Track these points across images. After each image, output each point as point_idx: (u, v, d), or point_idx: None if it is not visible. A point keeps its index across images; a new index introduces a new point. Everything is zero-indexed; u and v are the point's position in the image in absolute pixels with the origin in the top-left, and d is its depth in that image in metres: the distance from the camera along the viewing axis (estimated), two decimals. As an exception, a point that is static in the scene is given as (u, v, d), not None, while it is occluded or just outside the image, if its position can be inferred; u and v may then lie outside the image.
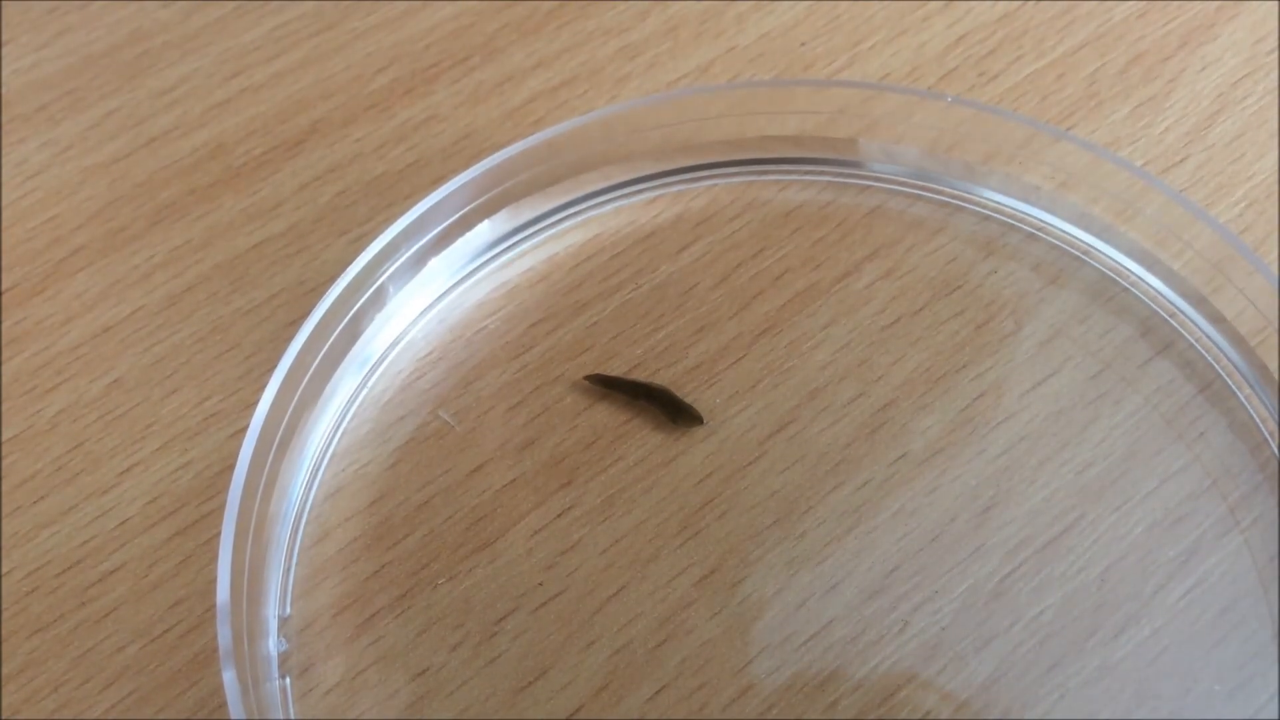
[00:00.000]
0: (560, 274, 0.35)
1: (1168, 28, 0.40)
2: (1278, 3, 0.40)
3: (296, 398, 0.30)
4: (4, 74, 0.40)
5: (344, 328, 0.32)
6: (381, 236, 0.32)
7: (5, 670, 0.29)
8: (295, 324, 0.31)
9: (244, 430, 0.28)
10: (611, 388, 0.32)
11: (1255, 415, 0.32)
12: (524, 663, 0.28)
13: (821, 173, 0.36)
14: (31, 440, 0.32)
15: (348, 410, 0.32)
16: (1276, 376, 0.31)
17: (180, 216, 0.36)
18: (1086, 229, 0.35)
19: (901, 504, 0.30)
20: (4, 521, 0.31)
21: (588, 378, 0.32)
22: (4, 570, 0.30)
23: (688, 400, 0.32)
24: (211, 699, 0.28)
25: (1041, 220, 0.35)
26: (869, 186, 0.36)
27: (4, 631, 0.29)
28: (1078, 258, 0.34)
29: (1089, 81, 0.38)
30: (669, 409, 0.32)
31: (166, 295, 0.35)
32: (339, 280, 0.31)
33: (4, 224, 0.36)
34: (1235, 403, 0.32)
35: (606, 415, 0.32)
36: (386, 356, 0.33)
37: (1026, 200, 0.35)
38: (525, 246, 0.35)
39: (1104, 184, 0.34)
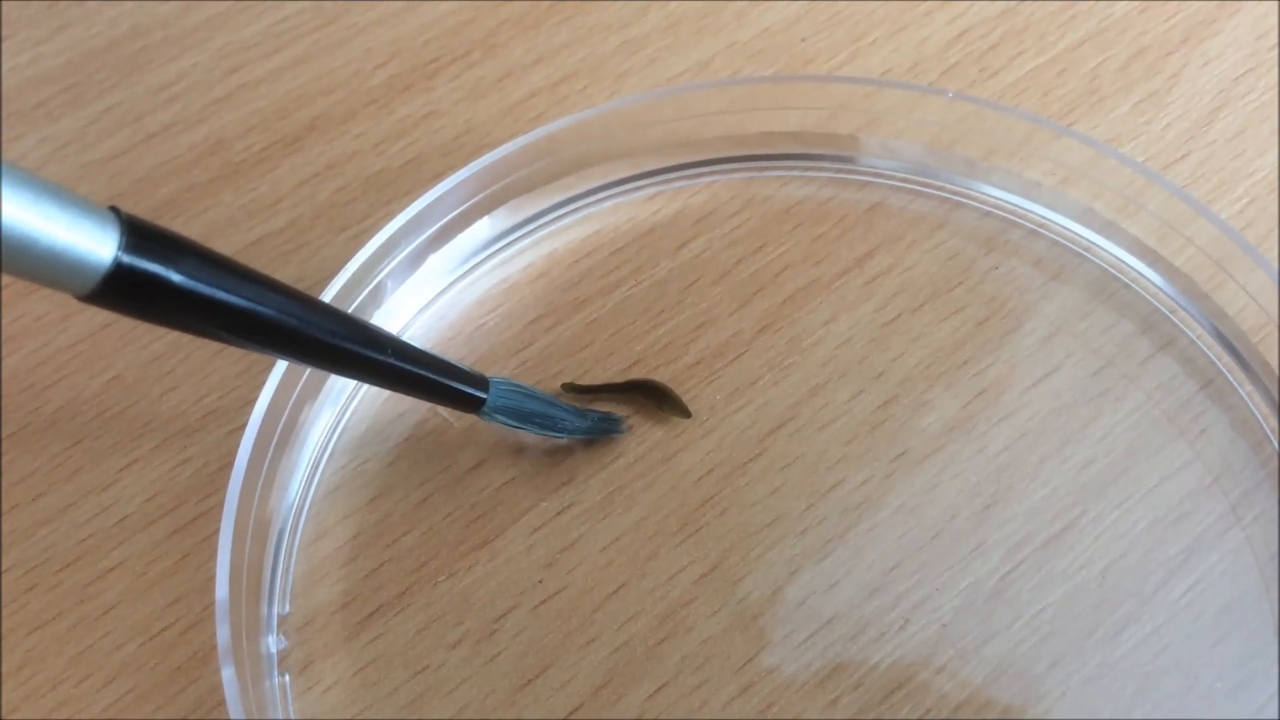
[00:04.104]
0: (560, 270, 0.35)
1: (1169, 23, 0.40)
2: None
3: (295, 395, 0.30)
4: (3, 70, 0.40)
5: (343, 324, 0.32)
6: (380, 233, 0.32)
7: (4, 667, 0.29)
8: (294, 321, 0.31)
9: (243, 427, 0.28)
10: (593, 393, 0.32)
11: (1256, 412, 0.31)
12: (524, 660, 0.28)
13: (822, 169, 0.36)
14: (30, 437, 0.32)
15: (346, 407, 0.32)
16: (1277, 373, 0.31)
17: (179, 213, 0.36)
18: (1088, 225, 0.35)
19: (902, 501, 0.30)
20: (3, 518, 0.31)
21: (565, 386, 0.32)
22: (3, 567, 0.30)
23: (686, 398, 0.32)
24: (210, 696, 0.28)
25: (1043, 216, 0.35)
26: (869, 183, 0.36)
27: (3, 629, 0.29)
28: (1079, 254, 0.34)
29: (1090, 77, 0.38)
30: (656, 399, 0.32)
31: (165, 292, 0.35)
32: (338, 277, 0.31)
33: (2, 220, 0.36)
34: (1236, 399, 0.32)
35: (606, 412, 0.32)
36: (386, 353, 0.33)
37: (1028, 196, 0.35)
38: (525, 243, 0.35)
39: (1105, 180, 0.34)
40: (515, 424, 0.30)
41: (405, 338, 0.33)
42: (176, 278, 0.22)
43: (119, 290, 0.21)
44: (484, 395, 0.29)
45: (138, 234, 0.21)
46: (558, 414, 0.30)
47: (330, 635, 0.29)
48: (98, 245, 0.20)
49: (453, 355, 0.33)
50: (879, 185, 0.36)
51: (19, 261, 0.20)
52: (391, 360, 0.27)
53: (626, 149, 0.35)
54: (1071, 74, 0.38)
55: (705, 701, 0.28)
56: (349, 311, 0.32)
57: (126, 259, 0.21)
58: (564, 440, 0.31)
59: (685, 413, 0.32)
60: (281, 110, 0.38)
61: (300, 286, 0.34)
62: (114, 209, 0.21)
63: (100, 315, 0.34)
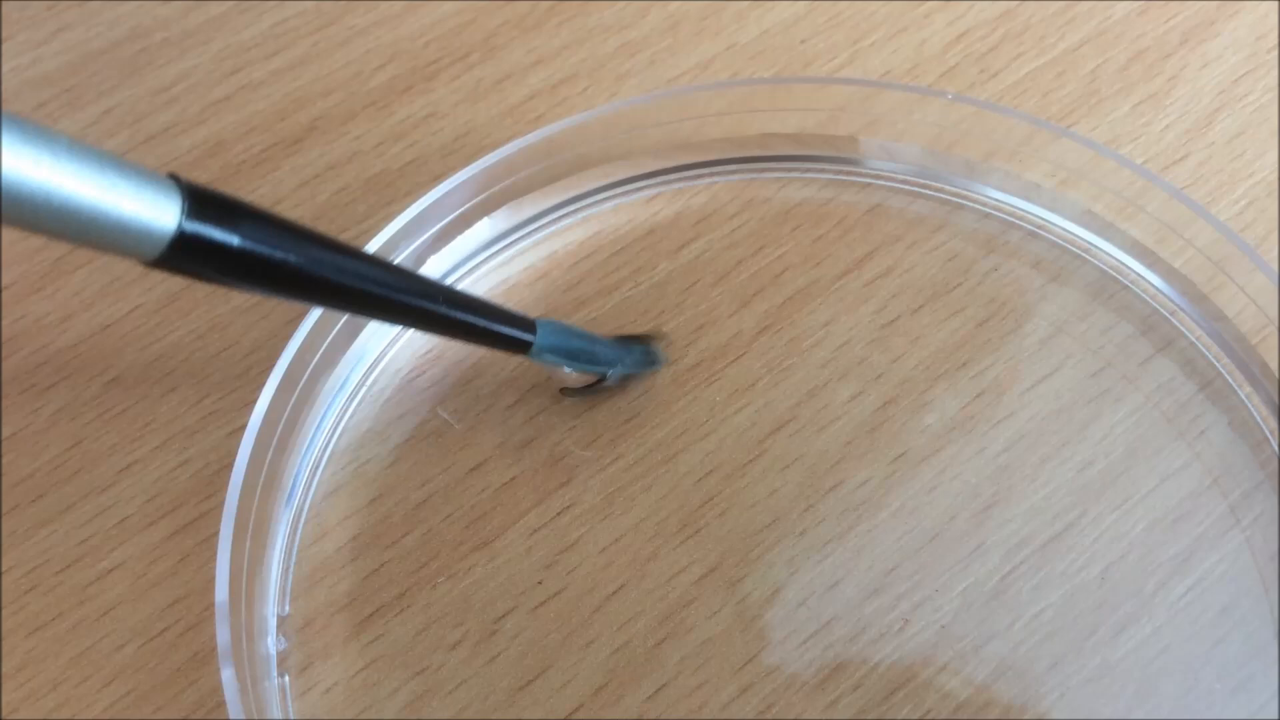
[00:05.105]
0: (559, 271, 0.35)
1: (1169, 25, 0.40)
2: (1278, 1, 0.40)
3: (295, 396, 0.30)
4: (3, 71, 0.40)
5: (343, 325, 0.32)
6: (380, 234, 0.32)
7: (4, 668, 0.29)
8: (294, 322, 0.31)
9: (243, 428, 0.28)
10: (588, 388, 0.32)
11: (1256, 413, 0.31)
12: (523, 661, 0.28)
13: (821, 170, 0.36)
14: (30, 438, 0.32)
15: (347, 408, 0.32)
16: (1277, 374, 0.31)
17: (179, 214, 0.36)
18: (1087, 227, 0.35)
19: (902, 502, 0.30)
20: (3, 519, 0.31)
21: (563, 391, 0.32)
22: (3, 568, 0.30)
23: (687, 399, 0.32)
24: (210, 698, 0.28)
25: (1042, 218, 0.35)
26: (869, 184, 0.36)
27: (3, 630, 0.29)
28: (1078, 255, 0.34)
29: (1090, 79, 0.38)
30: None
31: (165, 293, 0.35)
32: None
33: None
34: (1236, 400, 0.32)
35: (606, 414, 0.32)
36: (385, 354, 0.33)
37: (1027, 198, 0.35)
38: (525, 244, 0.35)
39: (1105, 182, 0.34)
40: (562, 362, 0.31)
41: (404, 338, 0.33)
42: (236, 241, 0.23)
43: (182, 255, 0.22)
44: (531, 337, 0.30)
45: (199, 200, 0.22)
46: (601, 350, 0.31)
47: (330, 636, 0.29)
48: (162, 213, 0.21)
49: (453, 356, 0.33)
50: (878, 187, 0.36)
51: (90, 232, 0.21)
52: (444, 309, 0.28)
53: (626, 150, 0.35)
54: (1071, 76, 0.38)
55: (705, 702, 0.28)
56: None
57: (190, 226, 0.22)
58: (610, 378, 0.32)
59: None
60: (281, 112, 0.38)
61: (300, 287, 0.34)
62: (174, 176, 0.22)
63: (99, 317, 0.34)
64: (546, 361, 0.30)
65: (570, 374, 0.32)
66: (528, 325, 0.30)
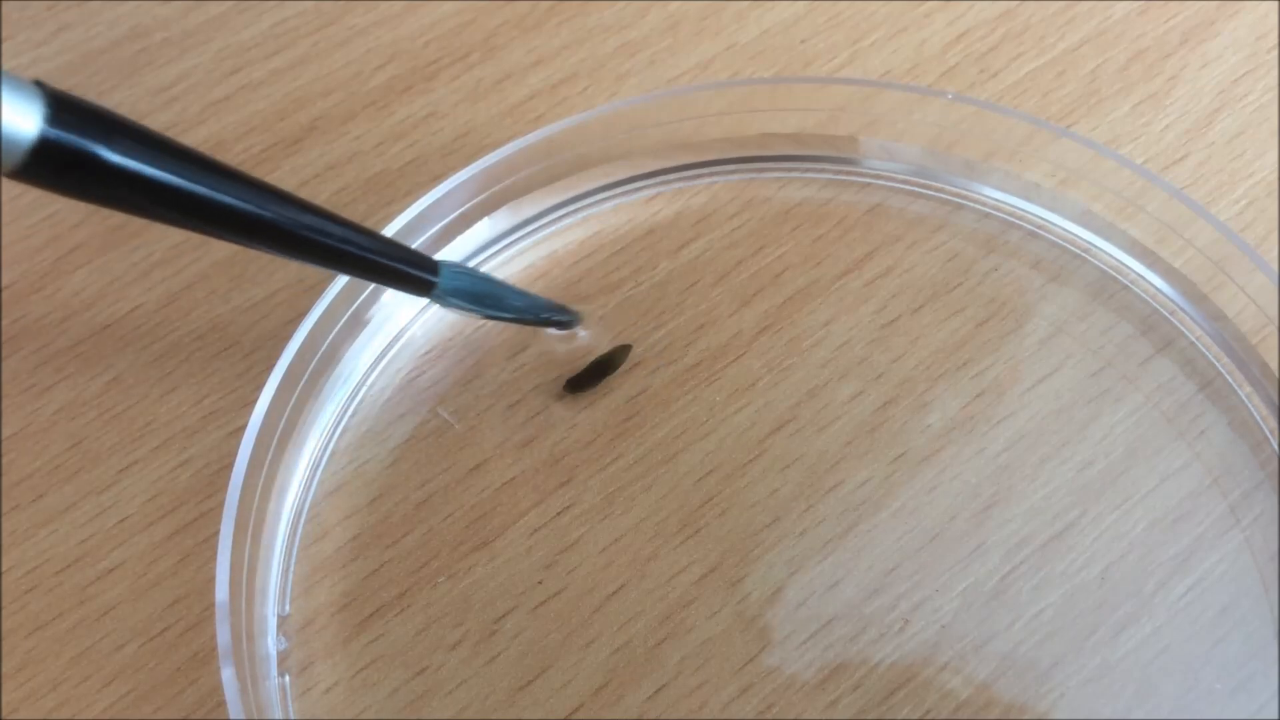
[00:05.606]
0: (560, 271, 0.35)
1: (1169, 25, 0.40)
2: (1278, 1, 0.40)
3: (295, 396, 0.30)
4: (3, 71, 0.40)
5: (343, 325, 0.32)
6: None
7: (4, 668, 0.29)
8: (294, 322, 0.31)
9: (243, 428, 0.28)
10: (591, 379, 0.32)
11: (1256, 413, 0.32)
12: (523, 661, 0.28)
13: (821, 170, 0.36)
14: (30, 438, 0.32)
15: (347, 408, 0.32)
16: (1277, 374, 0.31)
17: (179, 214, 0.36)
18: (1087, 226, 0.35)
19: (902, 502, 0.30)
20: (3, 519, 0.31)
21: (567, 385, 0.32)
22: (3, 568, 0.30)
23: (687, 399, 0.32)
24: (210, 697, 0.28)
25: (1042, 218, 0.35)
26: (869, 184, 0.36)
27: (3, 629, 0.29)
28: (1078, 255, 0.34)
29: (1090, 79, 0.38)
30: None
31: (165, 293, 0.35)
32: (338, 277, 0.31)
33: (3, 221, 0.36)
34: (1236, 400, 0.32)
35: (606, 413, 0.32)
36: (386, 354, 0.33)
37: (1027, 198, 0.35)
38: (525, 244, 0.35)
39: (1105, 181, 0.34)
40: (468, 307, 0.30)
41: (405, 338, 0.33)
42: (109, 155, 0.22)
43: (49, 166, 0.21)
44: (434, 279, 0.29)
45: (65, 108, 0.21)
46: (510, 296, 0.31)
47: (330, 636, 0.29)
48: (21, 119, 0.21)
49: (453, 356, 0.33)
50: (878, 187, 0.36)
51: None
52: (335, 242, 0.26)
53: (626, 150, 0.35)
54: (1070, 76, 0.38)
55: (705, 702, 0.28)
56: (351, 310, 0.32)
57: (53, 133, 0.21)
58: (514, 322, 0.31)
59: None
60: (281, 111, 0.38)
61: (301, 286, 0.35)
62: (39, 83, 0.21)
63: (100, 316, 0.34)
64: (452, 305, 0.30)
65: (558, 346, 0.32)
66: (430, 266, 0.29)
